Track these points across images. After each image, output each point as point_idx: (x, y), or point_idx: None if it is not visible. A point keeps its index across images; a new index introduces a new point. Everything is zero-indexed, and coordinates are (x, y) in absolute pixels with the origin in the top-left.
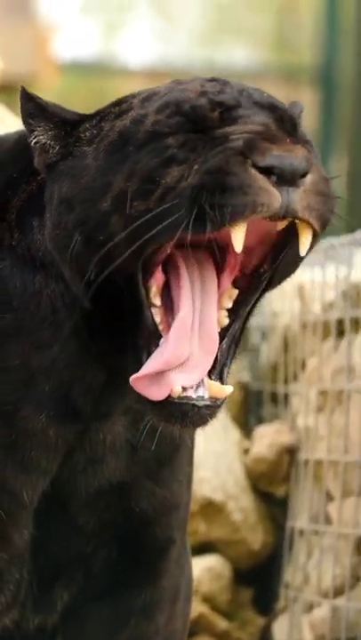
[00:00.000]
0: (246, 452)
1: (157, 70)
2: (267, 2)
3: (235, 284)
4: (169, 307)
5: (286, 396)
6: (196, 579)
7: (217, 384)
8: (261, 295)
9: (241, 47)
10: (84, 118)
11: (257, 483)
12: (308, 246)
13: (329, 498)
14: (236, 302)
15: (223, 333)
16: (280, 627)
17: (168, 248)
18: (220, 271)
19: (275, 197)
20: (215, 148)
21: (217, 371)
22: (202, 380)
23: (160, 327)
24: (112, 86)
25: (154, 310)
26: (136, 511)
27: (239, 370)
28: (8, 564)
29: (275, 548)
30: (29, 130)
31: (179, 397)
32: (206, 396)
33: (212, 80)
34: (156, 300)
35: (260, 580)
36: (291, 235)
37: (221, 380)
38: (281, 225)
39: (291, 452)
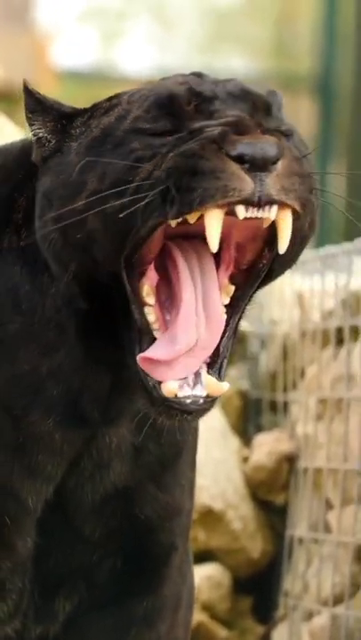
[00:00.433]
0: (245, 460)
1: (156, 78)
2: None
3: (231, 280)
4: (167, 305)
5: (286, 405)
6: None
7: (215, 381)
8: (259, 288)
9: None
10: (79, 112)
11: (256, 491)
12: (287, 242)
13: (328, 506)
14: (233, 298)
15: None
16: (280, 635)
17: (157, 246)
18: (217, 267)
19: (246, 183)
20: (189, 142)
21: (217, 365)
22: (200, 377)
23: (155, 326)
24: (111, 94)
25: (147, 309)
26: (141, 518)
27: (238, 378)
28: (11, 573)
29: (274, 556)
30: (29, 124)
31: (176, 396)
32: (204, 394)
33: (192, 74)
34: (150, 299)
35: (259, 588)
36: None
37: (220, 374)
38: (267, 222)
39: (290, 460)
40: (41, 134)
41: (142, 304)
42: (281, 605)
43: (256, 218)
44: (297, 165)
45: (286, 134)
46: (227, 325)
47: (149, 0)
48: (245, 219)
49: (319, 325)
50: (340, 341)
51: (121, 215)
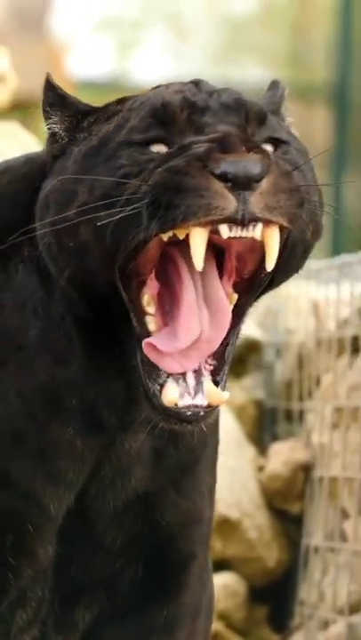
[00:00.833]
0: (261, 469)
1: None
2: (281, 20)
3: (235, 288)
4: (170, 312)
5: (301, 413)
6: None
7: (217, 390)
8: (262, 295)
9: (255, 65)
10: (92, 111)
11: (272, 500)
12: (274, 259)
13: (344, 515)
14: (236, 306)
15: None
16: None
17: (154, 255)
18: (221, 276)
19: (230, 201)
20: (176, 158)
21: (221, 373)
22: (202, 385)
23: (154, 334)
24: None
25: (148, 318)
26: (162, 524)
27: (254, 387)
28: (32, 581)
29: (290, 565)
30: (46, 117)
31: (176, 406)
32: (205, 404)
33: (191, 82)
34: (150, 309)
35: (275, 597)
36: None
37: (222, 382)
38: (258, 237)
39: (306, 469)
40: (56, 129)
41: (142, 313)
42: (297, 614)
43: (240, 237)
44: (284, 181)
45: (279, 143)
46: (229, 333)
47: (165, 10)
48: (230, 238)
49: (335, 334)
50: (355, 350)
51: (109, 229)
